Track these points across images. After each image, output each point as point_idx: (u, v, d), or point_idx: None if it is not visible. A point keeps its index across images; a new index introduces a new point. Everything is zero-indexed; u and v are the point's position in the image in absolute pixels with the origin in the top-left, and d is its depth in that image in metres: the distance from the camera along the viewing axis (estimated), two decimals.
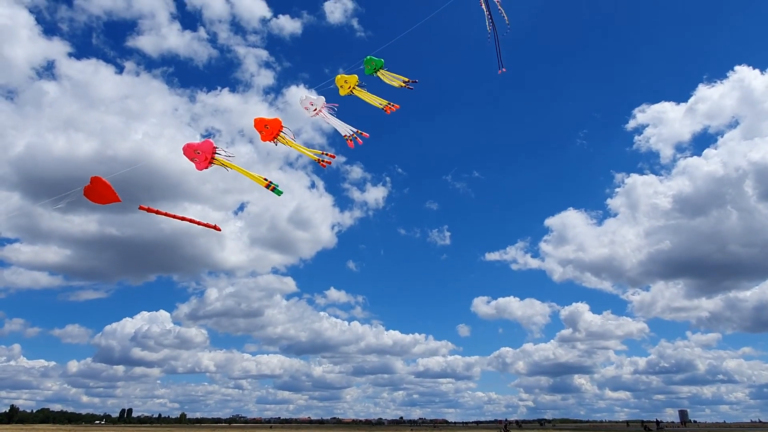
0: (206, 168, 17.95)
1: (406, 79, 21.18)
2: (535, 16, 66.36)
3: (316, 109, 19.94)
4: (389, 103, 20.87)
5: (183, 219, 17.21)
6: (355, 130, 20.11)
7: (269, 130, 18.93)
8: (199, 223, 17.56)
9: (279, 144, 19.05)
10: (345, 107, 21.38)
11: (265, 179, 18.18)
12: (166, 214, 16.94)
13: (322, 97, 19.98)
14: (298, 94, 20.82)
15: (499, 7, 22.62)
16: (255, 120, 18.98)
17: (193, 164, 17.97)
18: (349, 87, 20.54)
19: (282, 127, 18.96)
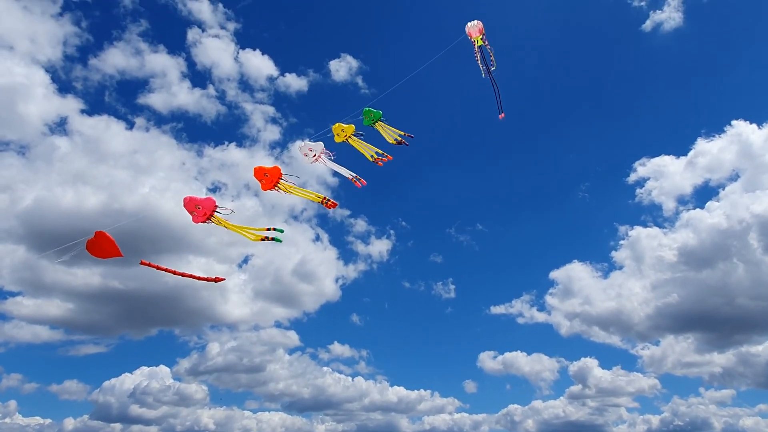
0: (203, 222, 18.13)
1: (402, 134, 21.56)
2: (537, 72, 68.48)
3: (315, 155, 20.21)
4: (382, 155, 21.08)
5: (183, 275, 17.27)
6: (354, 174, 20.30)
7: (269, 178, 19.15)
8: (199, 278, 17.52)
9: (281, 192, 19.24)
10: (348, 158, 21.72)
11: (267, 230, 18.00)
12: (167, 270, 17.07)
13: (320, 142, 20.29)
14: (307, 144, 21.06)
15: (490, 52, 23.42)
16: (255, 169, 19.24)
17: (192, 221, 18.21)
18: (345, 136, 20.91)
19: (281, 174, 19.15)
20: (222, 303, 63.71)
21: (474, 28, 23.46)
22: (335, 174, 20.85)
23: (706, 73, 75.20)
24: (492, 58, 23.69)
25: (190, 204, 18.18)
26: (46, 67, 60.45)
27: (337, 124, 21.01)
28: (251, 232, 18.08)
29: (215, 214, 18.14)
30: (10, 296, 57.70)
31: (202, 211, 18.04)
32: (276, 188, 19.26)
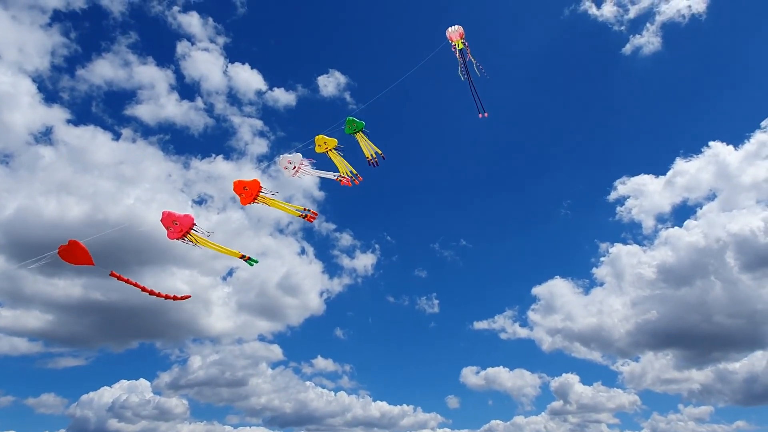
0: (178, 239, 18.11)
1: (378, 152, 21.73)
2: (520, 91, 69.65)
3: (295, 167, 20.38)
4: (352, 176, 20.95)
5: (151, 293, 17.35)
6: (340, 175, 20.28)
7: (248, 192, 19.22)
8: (166, 297, 17.57)
9: (261, 204, 19.41)
10: (327, 168, 21.83)
11: (242, 257, 18.25)
12: (135, 285, 17.07)
13: (299, 154, 20.46)
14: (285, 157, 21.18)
15: (471, 58, 23.99)
16: (234, 183, 19.26)
17: (166, 236, 18.29)
18: (327, 148, 21.19)
19: (261, 187, 19.30)
20: (205, 316, 63.42)
21: (455, 32, 23.89)
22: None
23: (684, 96, 77.17)
24: (474, 61, 24.19)
25: (168, 219, 18.13)
26: (33, 77, 60.52)
27: (320, 136, 21.21)
28: (228, 252, 18.21)
29: (192, 232, 18.08)
30: None
31: (178, 227, 17.99)
32: (256, 201, 19.31)
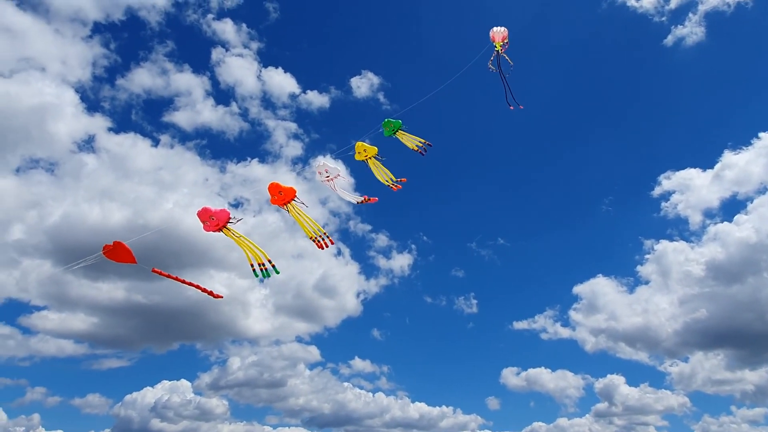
0: (213, 232, 18.66)
1: (423, 141, 21.61)
2: (559, 87, 68.16)
3: (328, 177, 20.19)
4: (396, 181, 21.15)
5: (190, 284, 17.90)
6: (361, 198, 20.26)
7: (282, 196, 19.31)
8: (203, 290, 18.14)
9: (288, 213, 19.32)
10: (366, 176, 21.77)
11: (269, 261, 18.40)
12: (176, 278, 17.70)
13: (338, 168, 20.24)
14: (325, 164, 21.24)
15: (506, 57, 23.45)
16: (272, 183, 19.46)
17: (203, 229, 18.84)
18: (366, 156, 20.98)
19: (295, 196, 19.27)
20: (243, 318, 64.10)
21: (499, 33, 23.52)
22: (357, 188, 20.98)
23: (732, 86, 73.88)
24: (509, 60, 23.75)
25: (205, 214, 18.69)
26: (75, 88, 62.30)
27: (360, 143, 21.14)
28: (255, 252, 18.33)
29: (227, 227, 18.58)
30: (36, 311, 58.90)
31: (215, 221, 18.54)
32: (285, 207, 19.41)
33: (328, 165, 20.10)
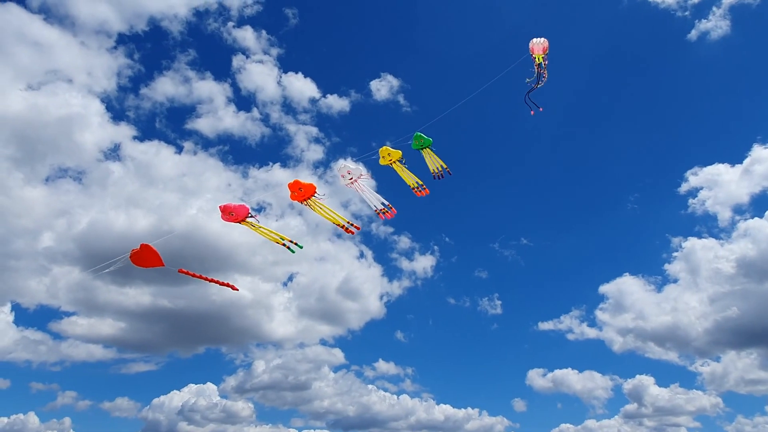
0: (233, 222, 19.52)
1: (444, 166, 21.54)
2: (583, 84, 67.38)
3: (352, 179, 20.31)
4: (422, 186, 21.36)
5: (210, 280, 18.77)
6: (387, 203, 20.44)
7: (302, 192, 19.57)
8: (221, 283, 19.07)
9: (309, 208, 19.80)
10: (388, 181, 21.88)
11: (290, 241, 19.32)
12: (201, 277, 18.46)
13: (361, 167, 20.36)
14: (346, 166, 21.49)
15: (545, 74, 23.05)
16: (292, 182, 19.77)
17: (220, 217, 19.66)
18: (390, 160, 21.04)
19: (315, 192, 19.54)
20: (267, 321, 64.58)
21: (539, 45, 22.91)
22: (378, 190, 20.96)
23: (759, 80, 71.94)
24: (545, 74, 23.32)
25: (225, 210, 19.32)
26: (101, 98, 63.68)
27: (384, 148, 21.22)
28: (276, 237, 19.29)
29: (248, 219, 19.31)
30: (65, 316, 60.21)
31: (235, 216, 19.26)
32: (305, 203, 19.72)
33: (349, 166, 20.20)
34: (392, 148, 21.04)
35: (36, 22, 59.79)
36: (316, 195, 19.56)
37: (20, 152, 57.42)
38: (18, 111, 56.60)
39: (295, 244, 19.14)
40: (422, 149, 21.66)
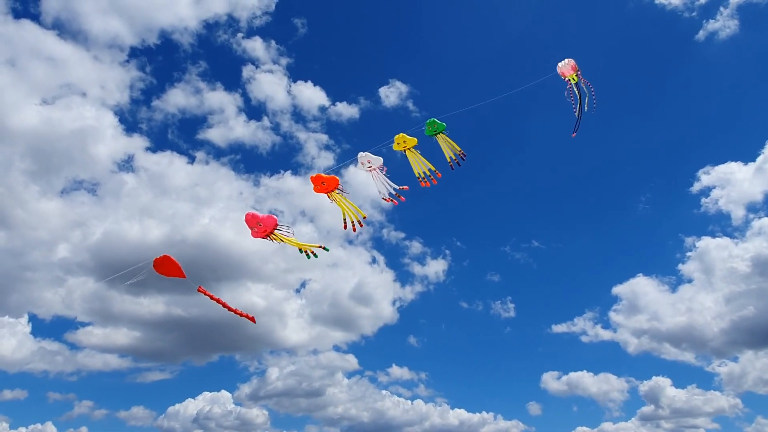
0: (261, 239, 18.94)
1: (459, 151, 21.35)
2: (592, 84, 68.20)
3: (371, 167, 20.54)
4: (434, 172, 20.93)
5: (229, 309, 18.49)
6: (397, 187, 20.37)
7: (325, 186, 19.62)
8: (240, 314, 18.79)
9: (330, 200, 19.80)
10: (401, 169, 21.89)
11: (319, 246, 18.99)
12: (218, 301, 18.21)
13: (381, 160, 20.52)
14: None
15: (585, 88, 23.06)
16: (315, 175, 19.86)
17: (250, 235, 19.02)
18: (405, 146, 21.06)
19: (338, 185, 19.57)
20: (281, 328, 64.78)
21: (567, 66, 22.64)
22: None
23: None
24: (593, 95, 23.35)
25: (252, 220, 18.76)
26: (114, 110, 64.68)
27: (401, 134, 21.22)
28: (306, 247, 18.83)
29: (276, 232, 18.73)
30: (81, 326, 60.70)
31: (263, 228, 18.69)
32: (329, 196, 19.73)
33: (371, 156, 20.48)
34: (408, 136, 21.06)
35: (50, 38, 60.85)
36: (338, 188, 19.55)
37: (36, 165, 58.20)
38: (33, 125, 57.55)
39: (323, 248, 18.92)
40: (436, 135, 21.65)
